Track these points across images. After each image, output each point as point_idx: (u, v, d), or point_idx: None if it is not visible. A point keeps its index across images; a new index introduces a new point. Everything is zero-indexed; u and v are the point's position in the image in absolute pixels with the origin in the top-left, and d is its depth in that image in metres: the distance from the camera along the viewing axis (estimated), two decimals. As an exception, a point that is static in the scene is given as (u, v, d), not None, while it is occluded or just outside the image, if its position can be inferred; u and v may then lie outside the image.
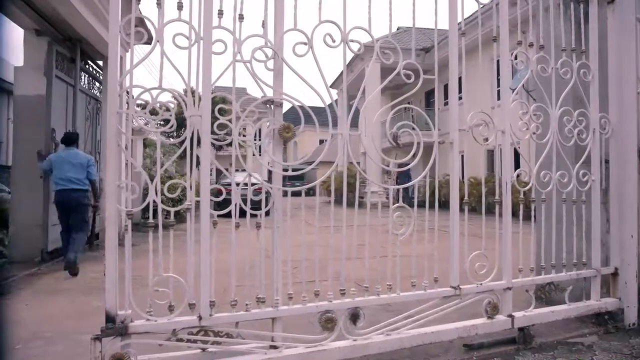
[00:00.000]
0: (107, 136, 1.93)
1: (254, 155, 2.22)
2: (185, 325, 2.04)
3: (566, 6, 3.07)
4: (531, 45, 2.89)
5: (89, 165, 5.12)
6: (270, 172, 2.24)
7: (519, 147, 2.92)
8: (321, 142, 33.34)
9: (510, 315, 2.72)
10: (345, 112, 2.32)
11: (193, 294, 2.06)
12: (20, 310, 3.55)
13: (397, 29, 19.05)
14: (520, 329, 2.75)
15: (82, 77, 6.54)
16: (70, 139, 5.18)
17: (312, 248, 2.27)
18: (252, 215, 2.17)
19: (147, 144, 11.99)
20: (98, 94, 7.22)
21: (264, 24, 2.21)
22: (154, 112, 1.99)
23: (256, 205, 2.17)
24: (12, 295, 4.01)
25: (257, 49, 2.16)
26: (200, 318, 2.05)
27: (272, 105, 2.22)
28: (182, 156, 2.10)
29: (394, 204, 2.45)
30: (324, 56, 2.32)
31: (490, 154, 2.92)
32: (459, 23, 2.66)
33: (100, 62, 7.23)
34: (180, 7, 2.05)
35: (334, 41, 2.28)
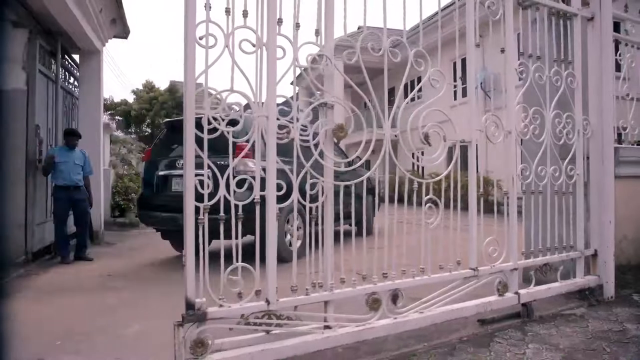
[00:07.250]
0: (185, 136, 2.05)
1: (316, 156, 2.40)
2: (254, 310, 2.21)
3: (553, 21, 3.49)
4: (530, 56, 3.29)
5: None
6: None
7: (519, 145, 3.31)
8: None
9: (517, 293, 3.10)
10: (386, 113, 2.57)
11: (259, 281, 2.23)
12: (35, 311, 3.50)
13: (358, 29, 19.52)
14: (524, 305, 3.14)
15: (61, 72, 6.31)
16: (78, 137, 5.69)
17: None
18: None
19: (112, 140, 11.57)
20: (74, 89, 6.98)
21: (317, 32, 2.41)
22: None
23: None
24: (14, 297, 3.90)
25: (313, 56, 2.35)
26: (268, 303, 2.22)
27: (325, 107, 2.42)
28: None
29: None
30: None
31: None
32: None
33: (76, 57, 6.99)
34: (245, 14, 2.20)
35: (377, 51, 2.52)
